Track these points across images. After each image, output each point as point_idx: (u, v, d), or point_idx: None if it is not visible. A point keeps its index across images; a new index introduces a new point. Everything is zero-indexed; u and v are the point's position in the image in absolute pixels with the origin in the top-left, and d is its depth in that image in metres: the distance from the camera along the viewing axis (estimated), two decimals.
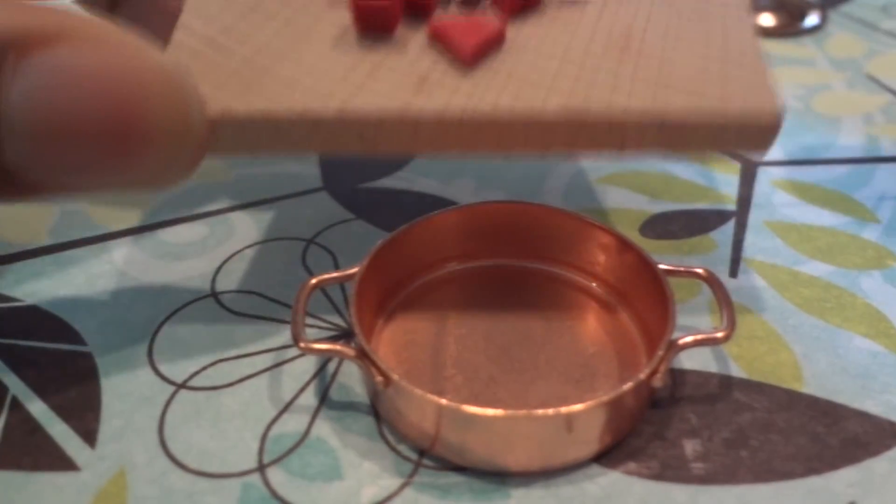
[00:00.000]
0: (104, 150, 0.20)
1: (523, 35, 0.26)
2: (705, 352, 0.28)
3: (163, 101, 0.20)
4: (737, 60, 0.26)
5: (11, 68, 0.19)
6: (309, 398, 0.26)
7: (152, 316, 0.29)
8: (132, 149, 0.20)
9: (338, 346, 0.24)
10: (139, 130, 0.20)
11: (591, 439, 0.23)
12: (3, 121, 0.19)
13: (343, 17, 0.27)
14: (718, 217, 0.35)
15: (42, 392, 0.26)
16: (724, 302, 0.26)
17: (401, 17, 0.26)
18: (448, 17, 0.26)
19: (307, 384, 0.27)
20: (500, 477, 0.24)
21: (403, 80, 0.24)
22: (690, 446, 0.24)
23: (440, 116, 0.24)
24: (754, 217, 0.35)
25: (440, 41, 0.26)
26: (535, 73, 0.25)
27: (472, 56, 0.25)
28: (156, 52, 0.21)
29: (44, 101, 0.19)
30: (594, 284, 0.30)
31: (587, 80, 0.25)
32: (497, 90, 0.24)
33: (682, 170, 0.38)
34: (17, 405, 0.26)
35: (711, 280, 0.27)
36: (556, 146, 0.25)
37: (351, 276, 0.27)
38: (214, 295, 0.31)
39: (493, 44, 0.25)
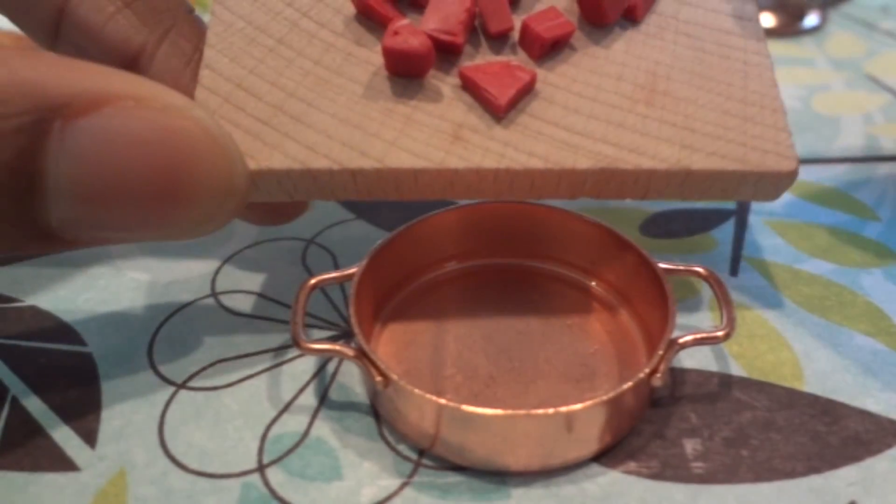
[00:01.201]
0: (149, 211, 0.20)
1: (551, 79, 0.27)
2: (705, 350, 0.28)
3: (208, 161, 0.20)
4: (756, 114, 0.27)
5: (59, 132, 0.18)
6: (308, 398, 0.26)
7: (152, 316, 0.29)
8: (177, 208, 0.20)
9: (337, 347, 0.24)
10: (185, 191, 0.20)
11: (590, 439, 0.23)
12: (50, 184, 0.19)
13: (370, 56, 0.26)
14: (718, 216, 0.35)
15: (42, 392, 0.26)
16: (724, 300, 0.26)
17: (433, 62, 0.26)
18: (477, 63, 0.26)
19: (307, 384, 0.27)
20: (500, 476, 0.24)
21: (437, 132, 0.25)
22: (690, 445, 0.24)
23: (475, 173, 0.24)
24: (754, 215, 0.35)
25: (472, 89, 0.26)
26: (563, 129, 0.25)
27: (505, 109, 0.25)
28: (200, 112, 0.20)
29: (92, 166, 0.19)
30: (594, 283, 0.30)
31: (614, 138, 0.25)
32: (528, 147, 0.25)
33: None
34: (17, 405, 0.26)
35: (712, 279, 0.27)
36: (584, 195, 0.26)
37: (350, 276, 0.27)
38: (214, 295, 0.31)
39: (524, 92, 0.26)
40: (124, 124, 0.19)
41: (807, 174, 0.38)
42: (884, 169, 0.38)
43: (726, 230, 0.34)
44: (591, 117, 0.26)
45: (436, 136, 0.25)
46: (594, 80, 0.27)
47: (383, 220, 0.35)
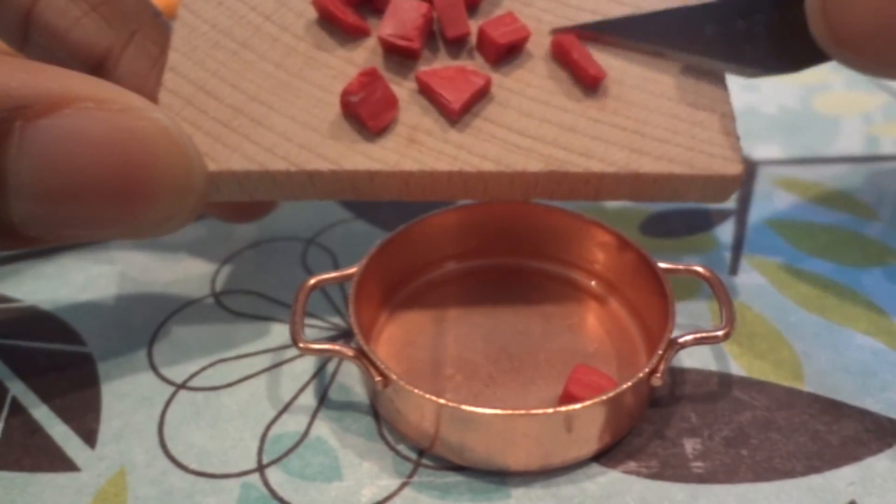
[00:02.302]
0: (109, 209, 0.21)
1: (507, 84, 0.27)
2: (705, 350, 0.28)
3: (167, 161, 0.21)
4: (705, 119, 0.27)
5: (20, 132, 0.19)
6: (308, 398, 0.26)
7: (152, 316, 0.29)
8: (137, 206, 0.21)
9: (337, 347, 0.24)
10: (144, 190, 0.21)
11: (590, 438, 0.23)
12: (11, 182, 0.19)
13: (330, 59, 0.27)
14: (718, 215, 0.35)
15: (42, 392, 0.26)
16: (724, 300, 0.26)
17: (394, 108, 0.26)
18: (434, 68, 0.27)
19: (306, 384, 0.27)
20: (500, 476, 0.24)
21: (393, 135, 0.26)
22: (690, 445, 0.24)
23: (428, 175, 0.25)
24: (754, 215, 0.35)
25: (427, 93, 0.26)
26: (516, 133, 0.26)
27: (459, 113, 0.26)
28: (158, 112, 0.21)
29: (52, 164, 0.19)
30: (594, 283, 0.30)
31: (565, 142, 0.26)
32: (482, 150, 0.26)
33: None
34: (16, 406, 0.26)
35: (711, 278, 0.27)
36: (536, 196, 0.27)
37: (350, 276, 0.27)
38: (214, 295, 0.31)
39: (479, 96, 0.26)
40: (84, 125, 0.19)
41: (807, 174, 0.38)
42: (884, 169, 0.38)
43: (726, 230, 0.34)
44: (544, 121, 0.26)
45: (391, 140, 0.25)
46: (548, 85, 0.27)
47: (383, 219, 0.35)
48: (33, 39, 0.26)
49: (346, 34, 0.27)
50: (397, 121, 0.26)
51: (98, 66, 0.26)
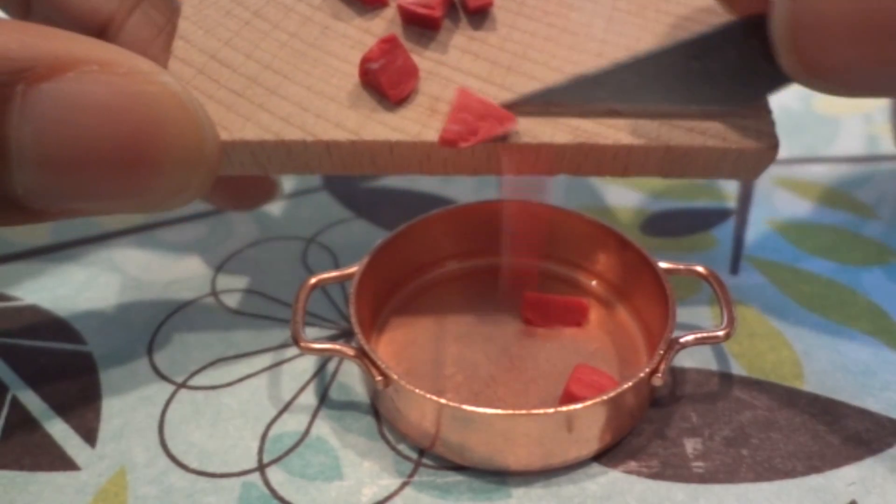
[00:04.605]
0: (116, 179, 0.20)
1: (531, 55, 0.26)
2: (706, 350, 0.28)
3: (176, 128, 0.20)
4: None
5: (21, 96, 0.18)
6: (309, 398, 0.26)
7: (152, 315, 0.29)
8: (145, 177, 0.20)
9: (337, 346, 0.24)
10: (152, 159, 0.20)
11: (591, 438, 0.23)
12: (12, 151, 0.18)
13: (347, 29, 0.26)
14: (719, 215, 0.35)
15: (42, 391, 0.26)
16: (724, 300, 0.26)
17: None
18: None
19: (307, 384, 0.27)
20: (501, 476, 0.23)
21: (414, 105, 0.25)
22: (691, 445, 0.24)
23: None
24: (755, 214, 0.35)
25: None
26: (542, 104, 0.25)
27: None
28: (167, 77, 0.20)
29: (55, 131, 0.18)
30: (594, 283, 0.30)
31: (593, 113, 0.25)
32: None
33: None
34: (16, 405, 0.26)
35: (712, 278, 0.27)
36: (562, 170, 0.25)
37: (351, 276, 0.27)
38: (214, 294, 0.31)
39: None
40: (88, 89, 0.19)
41: (807, 174, 0.38)
42: (884, 169, 0.38)
43: (726, 229, 0.34)
44: None
45: (412, 110, 0.24)
46: (574, 57, 0.26)
47: (384, 219, 0.35)
48: (36, 9, 0.25)
49: (364, 4, 0.27)
50: (418, 91, 0.25)
51: (100, 33, 0.25)
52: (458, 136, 0.24)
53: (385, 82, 0.24)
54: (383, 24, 0.26)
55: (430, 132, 0.24)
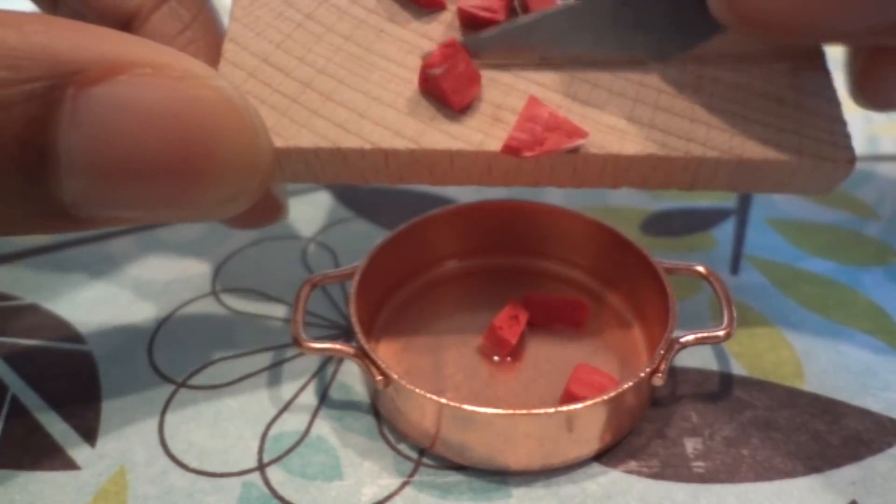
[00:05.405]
0: (167, 188, 0.19)
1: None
2: (706, 350, 0.28)
3: (231, 135, 0.19)
4: (811, 102, 0.25)
5: (72, 101, 0.17)
6: (309, 397, 0.26)
7: (152, 315, 0.29)
8: (197, 186, 0.19)
9: (337, 346, 0.24)
10: (205, 167, 0.19)
11: (591, 438, 0.23)
12: (62, 157, 0.17)
13: (403, 33, 0.25)
14: (719, 214, 0.35)
15: (42, 391, 0.26)
16: (724, 299, 0.26)
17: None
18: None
19: (307, 383, 0.27)
20: (501, 476, 0.23)
21: (475, 113, 0.24)
22: (691, 445, 0.24)
23: (515, 158, 0.23)
24: (755, 214, 0.35)
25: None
26: (608, 114, 0.24)
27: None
28: (222, 81, 0.19)
29: (106, 137, 0.18)
30: (594, 283, 0.30)
31: (662, 124, 0.24)
32: None
33: None
34: (16, 404, 0.26)
35: (712, 277, 0.27)
36: (627, 183, 0.24)
37: (351, 275, 0.27)
38: (214, 294, 0.31)
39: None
40: (140, 93, 0.18)
41: None
42: (884, 168, 0.38)
43: (726, 229, 0.34)
44: (638, 101, 0.24)
45: (474, 118, 0.24)
46: (636, 76, 0.25)
47: (384, 218, 0.35)
48: (63, 1, 0.24)
49: (420, 7, 0.26)
50: (480, 98, 0.24)
51: (125, 26, 0.24)
52: (523, 145, 0.23)
53: (447, 89, 0.23)
54: (441, 27, 0.26)
55: (493, 141, 0.23)
